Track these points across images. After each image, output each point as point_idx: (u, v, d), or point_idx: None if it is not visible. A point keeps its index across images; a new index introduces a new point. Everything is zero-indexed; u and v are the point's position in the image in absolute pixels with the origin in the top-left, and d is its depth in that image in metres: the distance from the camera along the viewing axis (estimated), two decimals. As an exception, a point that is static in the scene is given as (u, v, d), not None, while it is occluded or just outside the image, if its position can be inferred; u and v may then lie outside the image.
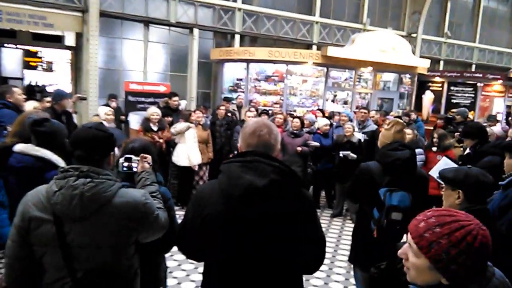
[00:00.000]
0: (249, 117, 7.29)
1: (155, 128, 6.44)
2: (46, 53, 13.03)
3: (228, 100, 9.39)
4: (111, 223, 1.72)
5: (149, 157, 2.27)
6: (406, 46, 11.64)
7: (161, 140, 6.39)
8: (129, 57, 11.51)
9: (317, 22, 13.47)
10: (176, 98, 8.13)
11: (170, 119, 7.21)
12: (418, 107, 14.17)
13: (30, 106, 6.00)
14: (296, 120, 6.93)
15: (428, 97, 14.43)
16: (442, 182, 2.15)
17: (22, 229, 1.70)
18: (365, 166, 3.07)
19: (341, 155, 6.51)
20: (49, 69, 14.15)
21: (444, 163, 4.12)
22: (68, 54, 12.08)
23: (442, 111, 13.79)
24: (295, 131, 6.84)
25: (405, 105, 12.95)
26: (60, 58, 12.96)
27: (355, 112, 9.25)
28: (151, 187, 2.13)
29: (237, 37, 12.26)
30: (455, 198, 2.07)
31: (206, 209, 1.63)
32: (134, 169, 2.24)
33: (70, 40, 12.05)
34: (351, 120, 8.03)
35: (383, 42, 11.04)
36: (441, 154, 5.78)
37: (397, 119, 3.27)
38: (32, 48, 20.45)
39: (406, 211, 2.81)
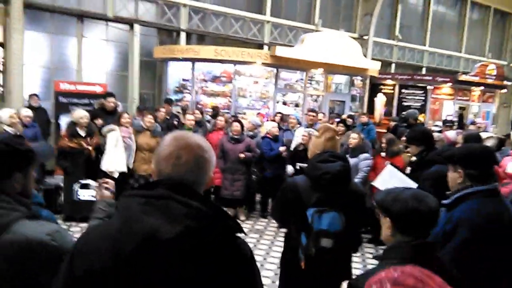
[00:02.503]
0: (188, 120, 6.66)
1: (82, 134, 5.67)
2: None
3: (169, 102, 8.72)
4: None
5: (111, 183, 1.89)
6: (357, 48, 11.42)
7: (89, 147, 5.61)
8: (61, 54, 10.48)
9: (268, 22, 13.01)
10: (112, 99, 7.42)
11: (100, 121, 6.48)
12: (371, 109, 14.09)
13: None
14: (236, 124, 6.37)
15: (380, 100, 14.40)
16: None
17: None
18: (291, 182, 2.55)
19: (297, 167, 5.99)
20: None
21: (388, 172, 3.69)
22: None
23: (394, 114, 13.78)
24: (235, 136, 6.27)
25: (357, 108, 12.76)
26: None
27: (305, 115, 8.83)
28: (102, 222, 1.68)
29: (183, 34, 11.53)
30: (386, 227, 1.57)
31: (84, 263, 1.09)
32: (92, 198, 1.75)
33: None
34: (299, 123, 7.61)
35: (333, 43, 10.74)
36: (390, 159, 5.43)
37: (327, 125, 2.79)
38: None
39: (338, 236, 2.30)
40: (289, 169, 6.14)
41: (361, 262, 4.99)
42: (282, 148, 6.44)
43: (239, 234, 1.19)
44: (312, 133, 6.29)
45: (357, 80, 12.66)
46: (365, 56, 13.24)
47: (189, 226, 1.06)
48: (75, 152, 5.43)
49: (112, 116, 6.91)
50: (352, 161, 5.84)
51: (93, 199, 1.91)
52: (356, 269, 4.55)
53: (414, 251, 1.45)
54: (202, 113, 7.71)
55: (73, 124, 5.61)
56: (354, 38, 13.02)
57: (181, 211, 1.08)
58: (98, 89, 9.20)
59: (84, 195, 1.69)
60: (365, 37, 14.71)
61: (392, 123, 10.50)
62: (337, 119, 8.60)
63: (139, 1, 10.83)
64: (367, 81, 13.45)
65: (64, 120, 7.54)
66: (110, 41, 11.02)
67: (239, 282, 1.14)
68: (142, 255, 1.05)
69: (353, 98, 12.53)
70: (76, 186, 1.64)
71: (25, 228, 1.37)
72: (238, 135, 6.29)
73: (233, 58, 9.98)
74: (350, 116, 9.01)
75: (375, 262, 1.66)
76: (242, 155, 6.20)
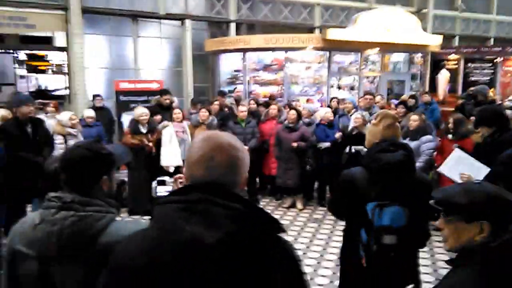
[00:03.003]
0: (241, 112, 6.63)
1: (144, 130, 5.88)
2: (54, 56, 12.69)
3: (222, 94, 8.74)
4: (100, 267, 1.28)
5: (185, 177, 1.83)
6: (415, 23, 10.70)
7: (150, 144, 5.80)
8: (119, 54, 10.93)
9: (318, 4, 12.61)
10: (167, 96, 7.59)
11: (159, 117, 6.66)
12: (433, 87, 13.22)
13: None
14: (292, 112, 6.24)
15: (443, 76, 13.42)
16: (442, 210, 1.45)
17: (10, 264, 1.49)
18: (348, 174, 2.37)
19: (352, 150, 5.80)
20: (59, 71, 13.83)
21: (457, 156, 3.38)
22: (63, 55, 11.61)
23: (460, 91, 12.82)
24: (290, 125, 6.16)
25: (418, 87, 12.04)
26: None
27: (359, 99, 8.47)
28: None
29: (233, 25, 11.53)
30: (475, 234, 1.37)
31: (122, 279, 1.08)
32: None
33: (61, 41, 11.57)
34: (355, 107, 7.31)
35: (389, 20, 10.15)
36: (458, 142, 5.02)
37: (386, 111, 2.56)
38: (40, 53, 20.26)
39: (402, 232, 2.12)
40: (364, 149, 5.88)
41: (429, 258, 4.67)
42: (338, 135, 6.23)
43: (281, 234, 1.12)
44: (364, 116, 6.04)
45: (417, 57, 11.92)
46: (424, 31, 12.39)
47: (230, 230, 1.01)
48: (137, 148, 5.64)
49: (169, 112, 7.10)
50: (413, 144, 5.49)
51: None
52: (425, 267, 4.30)
53: (503, 251, 1.27)
54: (257, 103, 7.65)
55: (134, 121, 5.82)
56: (411, 12, 12.22)
57: (222, 214, 1.03)
58: (155, 86, 9.52)
59: (161, 191, 1.74)
60: (424, 11, 13.77)
61: (460, 101, 9.75)
62: (395, 101, 8.16)
63: (189, -4, 10.96)
64: (428, 58, 12.59)
65: (125, 118, 7.83)
66: (163, 38, 11.30)
67: (285, 285, 1.08)
68: (183, 264, 1.01)
69: (413, 77, 11.82)
70: (154, 183, 1.73)
71: (120, 229, 1.44)
72: (293, 124, 6.16)
73: (283, 45, 9.81)
74: (412, 96, 8.45)
75: (445, 254, 1.47)
76: (294, 144, 6.09)
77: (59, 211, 1.43)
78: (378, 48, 10.53)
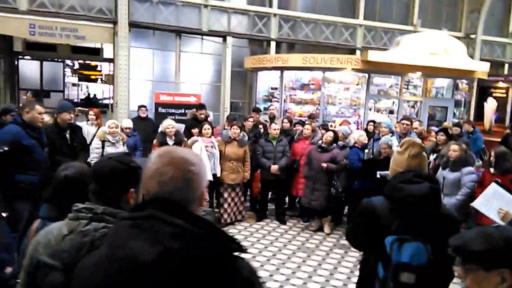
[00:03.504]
0: (274, 129, 6.60)
1: (170, 143, 5.97)
2: (104, 66, 13.40)
3: (257, 110, 8.76)
4: None
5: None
6: (461, 48, 10.33)
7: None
8: (162, 68, 11.30)
9: (361, 25, 12.50)
10: (202, 111, 7.73)
11: (196, 130, 6.77)
12: (479, 116, 12.65)
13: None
14: (329, 133, 6.16)
15: (490, 105, 12.85)
16: (460, 258, 1.34)
17: (30, 274, 1.48)
18: (368, 202, 2.25)
19: (377, 175, 5.61)
20: (107, 81, 14.59)
21: (492, 191, 3.16)
22: (111, 66, 12.18)
23: (508, 121, 12.19)
24: (323, 145, 6.06)
25: (462, 114, 11.56)
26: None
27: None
28: None
29: (273, 44, 11.64)
30: (497, 283, 1.25)
31: None
32: None
33: (109, 53, 12.15)
34: (392, 132, 7.08)
35: (433, 44, 9.86)
36: (499, 177, 4.70)
37: (413, 139, 2.41)
38: (92, 63, 21.43)
39: (422, 271, 1.97)
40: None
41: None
42: (324, 164, 6.06)
43: (241, 254, 1.09)
44: (392, 143, 5.82)
45: (462, 84, 11.48)
46: (471, 57, 11.96)
47: (169, 247, 0.98)
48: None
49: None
50: (453, 175, 5.23)
51: None
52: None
53: None
54: (290, 122, 7.61)
55: (162, 134, 5.93)
56: (458, 37, 11.85)
57: (165, 231, 1.00)
58: (193, 100, 9.71)
59: None
60: (472, 36, 13.30)
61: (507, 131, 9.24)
62: (435, 128, 7.82)
63: (232, 14, 11.21)
64: (474, 84, 12.11)
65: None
66: (204, 54, 11.58)
67: None
68: (123, 281, 1.00)
69: (457, 104, 11.36)
70: None
71: None
72: (327, 145, 6.06)
73: (321, 65, 9.75)
74: (457, 125, 7.98)
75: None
76: (324, 165, 5.97)
77: (90, 222, 1.45)
78: (420, 72, 10.24)
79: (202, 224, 1.03)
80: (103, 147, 5.65)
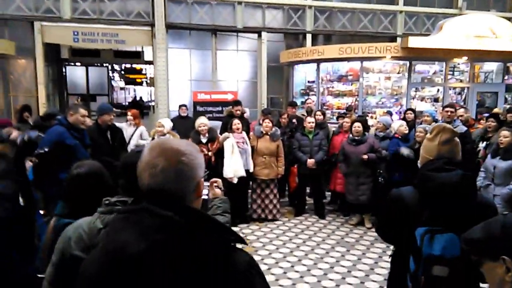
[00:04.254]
0: (309, 123, 6.50)
1: (204, 140, 6.05)
2: (149, 70, 13.79)
3: (293, 105, 8.68)
4: None
5: (219, 181, 2.10)
6: (510, 28, 9.64)
7: (209, 153, 5.96)
8: (200, 67, 11.48)
9: (401, 12, 12.01)
10: (238, 107, 7.77)
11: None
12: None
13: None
14: (358, 124, 5.96)
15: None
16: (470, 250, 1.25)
17: (62, 268, 1.52)
18: (396, 193, 2.14)
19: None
20: (152, 84, 15.07)
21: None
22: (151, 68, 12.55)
23: None
24: (356, 137, 5.89)
25: (514, 99, 10.82)
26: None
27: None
28: (220, 217, 1.90)
29: (309, 36, 11.46)
30: (502, 272, 1.15)
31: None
32: (205, 196, 2.00)
33: (149, 55, 12.52)
34: (435, 121, 6.77)
35: (478, 27, 9.28)
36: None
37: (444, 124, 2.25)
38: (138, 66, 22.16)
39: (455, 264, 1.85)
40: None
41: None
42: (364, 157, 5.81)
43: (239, 245, 1.07)
44: (426, 128, 5.52)
45: (514, 67, 10.73)
46: (524, 37, 11.14)
47: (156, 239, 0.98)
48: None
49: (241, 121, 7.22)
50: (504, 164, 4.90)
51: (206, 197, 2.04)
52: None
53: None
54: (324, 114, 7.47)
55: (196, 132, 6.02)
56: (509, 18, 11.07)
57: (153, 224, 1.00)
58: (230, 97, 9.78)
59: None
60: (525, 15, 12.38)
61: None
62: (486, 114, 7.35)
63: (266, 9, 11.16)
64: (528, 67, 11.27)
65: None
66: (240, 51, 11.62)
67: None
68: (113, 273, 1.01)
69: (508, 88, 10.63)
70: None
71: None
72: (359, 136, 5.89)
73: (359, 55, 9.47)
74: (510, 110, 7.37)
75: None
76: (365, 157, 5.78)
77: None
78: (466, 57, 9.68)
79: (194, 216, 1.01)
80: None
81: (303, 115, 8.67)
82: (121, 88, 27.41)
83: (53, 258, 1.56)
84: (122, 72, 24.83)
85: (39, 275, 2.00)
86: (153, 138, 6.14)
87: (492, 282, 1.20)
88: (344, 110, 8.97)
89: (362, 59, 9.60)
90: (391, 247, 5.29)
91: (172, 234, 0.99)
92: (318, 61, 10.11)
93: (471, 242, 1.22)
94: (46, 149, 3.99)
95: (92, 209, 1.87)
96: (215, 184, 2.09)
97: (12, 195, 1.86)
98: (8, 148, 2.01)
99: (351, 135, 5.98)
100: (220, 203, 2.01)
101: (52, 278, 1.55)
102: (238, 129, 6.04)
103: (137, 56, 13.26)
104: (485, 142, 6.05)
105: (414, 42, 9.15)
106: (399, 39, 11.73)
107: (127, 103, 22.10)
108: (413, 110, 7.75)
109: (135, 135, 6.63)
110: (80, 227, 1.55)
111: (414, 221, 1.98)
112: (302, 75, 11.03)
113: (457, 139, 2.16)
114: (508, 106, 9.44)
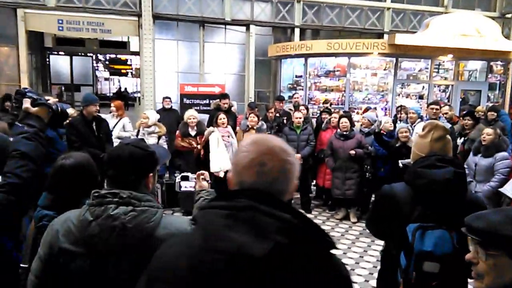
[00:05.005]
0: (296, 118, 6.53)
1: (193, 133, 6.04)
2: (134, 60, 13.58)
3: (280, 99, 8.69)
4: None
5: (206, 174, 2.14)
6: (495, 28, 9.83)
7: (198, 146, 5.93)
8: (187, 59, 11.37)
9: (388, 8, 12.10)
10: (225, 100, 7.73)
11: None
12: (515, 99, 12.06)
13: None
14: (344, 120, 6.01)
15: (528, 87, 12.21)
16: (480, 241, 1.25)
17: (49, 262, 1.49)
18: (388, 189, 2.17)
19: (400, 164, 5.43)
20: (137, 75, 14.87)
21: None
22: (138, 59, 12.37)
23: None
24: (344, 133, 5.94)
25: (497, 98, 11.05)
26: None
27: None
28: None
29: (297, 31, 11.46)
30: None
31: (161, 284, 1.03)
32: (192, 189, 2.12)
33: (135, 46, 12.33)
34: (420, 117, 6.86)
35: (464, 25, 9.42)
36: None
37: (435, 122, 2.29)
38: (123, 57, 21.81)
39: (447, 260, 1.88)
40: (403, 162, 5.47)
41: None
42: (352, 152, 5.90)
43: (333, 251, 1.04)
44: (410, 129, 5.61)
45: (497, 66, 10.94)
46: (507, 37, 11.39)
47: (279, 242, 0.93)
48: (187, 151, 5.78)
49: (228, 115, 7.20)
50: (485, 161, 5.02)
51: (192, 189, 2.13)
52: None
53: None
54: (307, 109, 7.52)
55: (184, 124, 5.98)
56: (493, 17, 11.29)
57: (271, 225, 0.95)
58: (217, 90, 9.74)
59: (186, 186, 1.81)
60: (508, 16, 12.63)
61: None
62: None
63: (255, 2, 11.09)
64: (511, 66, 11.53)
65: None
66: (228, 44, 11.55)
67: None
68: (228, 275, 0.94)
69: (491, 87, 10.86)
70: (178, 179, 1.83)
71: (171, 222, 1.52)
72: (347, 131, 5.94)
73: (347, 51, 9.52)
74: (492, 109, 7.40)
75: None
76: (352, 152, 5.85)
77: (118, 206, 1.45)
78: (451, 55, 9.83)
79: (304, 219, 0.99)
80: (137, 137, 5.86)
81: (290, 109, 8.71)
82: (106, 79, 26.98)
83: (40, 251, 1.54)
84: (107, 63, 24.46)
85: (22, 265, 1.97)
86: (138, 130, 6.09)
87: (499, 277, 1.20)
88: (327, 106, 9.00)
89: (349, 55, 9.65)
90: (377, 241, 5.39)
91: (294, 238, 0.95)
92: (306, 56, 10.13)
93: (499, 238, 1.19)
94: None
95: (75, 201, 1.85)
96: (202, 176, 2.11)
97: (38, 159, 1.83)
98: (44, 112, 1.96)
99: (339, 130, 6.02)
100: (207, 195, 2.04)
101: (39, 272, 1.52)
102: (223, 123, 6.01)
103: (122, 46, 13.07)
104: (463, 138, 6.20)
105: (401, 39, 9.25)
106: (386, 36, 11.84)
107: (111, 94, 21.75)
108: (404, 107, 7.80)
109: (117, 126, 6.52)
110: (68, 220, 1.52)
111: (406, 217, 2.02)
112: (290, 69, 11.03)
113: (449, 137, 2.20)
114: (490, 104, 9.67)
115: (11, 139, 1.95)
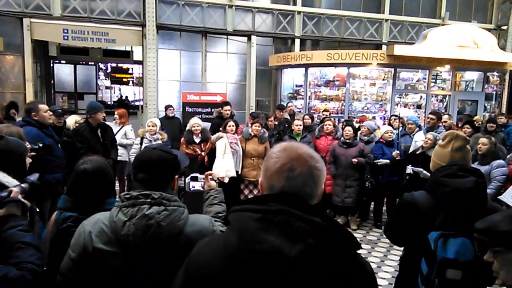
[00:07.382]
0: (296, 126, 6.67)
1: (197, 140, 6.16)
2: (136, 69, 13.68)
3: (281, 108, 8.86)
4: (184, 255, 1.39)
5: (214, 174, 2.27)
6: (491, 39, 10.05)
7: (202, 153, 6.06)
8: (189, 68, 11.55)
9: (386, 20, 12.34)
10: (227, 108, 7.88)
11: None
12: (511, 109, 12.25)
13: (72, 120, 6.12)
14: (348, 128, 6.15)
15: (524, 97, 12.41)
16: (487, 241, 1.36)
17: (83, 262, 1.56)
18: (409, 198, 2.22)
19: (410, 171, 5.51)
20: (139, 83, 15.00)
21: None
22: (140, 68, 12.54)
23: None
24: (347, 141, 6.08)
25: (493, 108, 11.24)
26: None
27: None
28: (218, 207, 2.07)
29: (297, 41, 11.67)
30: None
31: (199, 285, 1.11)
32: (201, 188, 2.23)
33: (138, 55, 12.51)
34: (419, 127, 7.00)
35: (461, 37, 9.65)
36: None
37: (456, 132, 2.37)
38: (124, 66, 22.05)
39: (469, 268, 1.93)
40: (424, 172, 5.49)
41: None
42: (395, 153, 6.00)
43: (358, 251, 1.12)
44: (437, 137, 5.57)
45: (493, 76, 11.15)
46: (503, 49, 11.61)
47: (310, 244, 1.00)
48: (191, 158, 5.90)
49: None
50: (483, 169, 5.09)
51: (201, 189, 2.24)
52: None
53: None
54: (312, 118, 7.66)
55: (189, 132, 6.11)
56: (489, 29, 11.53)
57: (303, 228, 1.02)
58: (219, 99, 9.92)
59: (195, 186, 1.94)
60: (504, 27, 12.88)
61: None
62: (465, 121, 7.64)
63: (256, 13, 11.31)
64: (507, 77, 11.73)
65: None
66: (229, 53, 11.75)
67: None
68: (264, 275, 1.01)
69: (487, 97, 11.05)
70: (188, 179, 2.00)
71: (197, 221, 1.65)
72: (350, 139, 6.08)
73: (346, 61, 9.72)
74: (491, 121, 7.44)
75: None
76: (354, 160, 5.96)
77: (151, 206, 1.54)
78: (448, 66, 10.04)
79: (332, 221, 1.06)
80: (141, 144, 5.99)
81: (286, 118, 8.87)
82: (107, 87, 27.14)
83: (70, 253, 1.60)
84: (108, 71, 24.63)
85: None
86: (142, 138, 6.19)
87: (509, 273, 1.28)
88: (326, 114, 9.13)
89: (349, 65, 9.85)
90: (376, 248, 5.49)
91: (323, 239, 1.02)
92: (306, 66, 10.33)
93: (498, 234, 1.29)
94: (41, 145, 3.98)
95: (96, 202, 1.98)
96: (210, 176, 2.23)
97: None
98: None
99: (342, 138, 6.16)
100: (216, 194, 2.15)
101: (70, 272, 1.59)
102: (232, 130, 6.15)
103: (126, 55, 13.26)
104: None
105: (400, 50, 9.45)
106: (384, 47, 12.07)
107: (112, 102, 21.95)
108: (397, 116, 7.96)
109: (119, 134, 6.66)
110: (99, 221, 1.60)
111: (427, 225, 2.06)
112: (290, 79, 11.22)
113: (468, 147, 2.28)
114: (487, 115, 9.86)
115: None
